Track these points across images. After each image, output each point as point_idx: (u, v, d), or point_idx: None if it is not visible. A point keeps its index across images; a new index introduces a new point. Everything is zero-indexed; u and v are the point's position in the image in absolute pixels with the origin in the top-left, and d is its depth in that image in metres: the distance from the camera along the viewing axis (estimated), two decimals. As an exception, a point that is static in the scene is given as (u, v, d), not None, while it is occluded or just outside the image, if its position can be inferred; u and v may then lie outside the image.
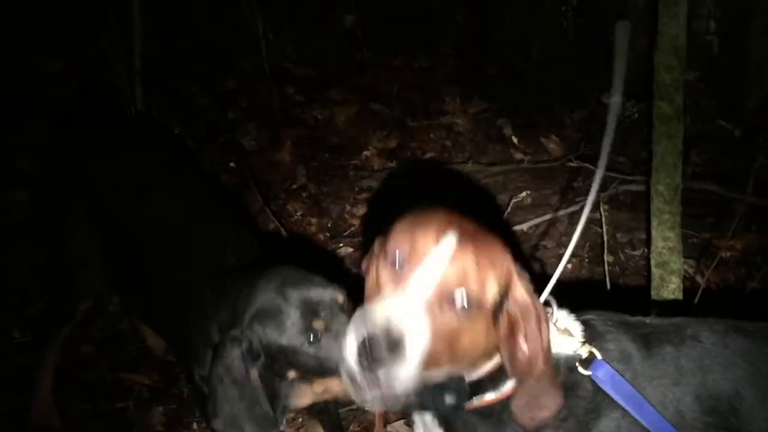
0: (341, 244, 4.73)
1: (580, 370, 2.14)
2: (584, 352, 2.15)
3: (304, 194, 5.13)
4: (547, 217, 4.60)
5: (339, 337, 2.60)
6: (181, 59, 5.96)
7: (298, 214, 4.98)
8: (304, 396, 2.80)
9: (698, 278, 4.04)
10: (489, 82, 5.95)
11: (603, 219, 4.19)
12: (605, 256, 4.05)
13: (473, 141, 5.43)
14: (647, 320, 2.32)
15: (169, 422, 3.86)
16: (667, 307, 3.50)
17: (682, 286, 3.51)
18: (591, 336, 2.21)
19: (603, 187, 4.66)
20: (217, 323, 2.78)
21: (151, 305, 3.32)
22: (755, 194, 4.21)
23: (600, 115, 5.43)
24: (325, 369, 2.66)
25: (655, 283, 3.50)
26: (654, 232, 3.45)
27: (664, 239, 3.41)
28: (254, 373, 2.66)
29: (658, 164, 3.41)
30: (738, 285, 4.14)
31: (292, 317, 2.63)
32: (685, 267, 3.87)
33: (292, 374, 2.71)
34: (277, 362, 2.68)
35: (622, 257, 4.31)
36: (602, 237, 4.10)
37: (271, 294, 2.67)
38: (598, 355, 2.14)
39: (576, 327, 2.22)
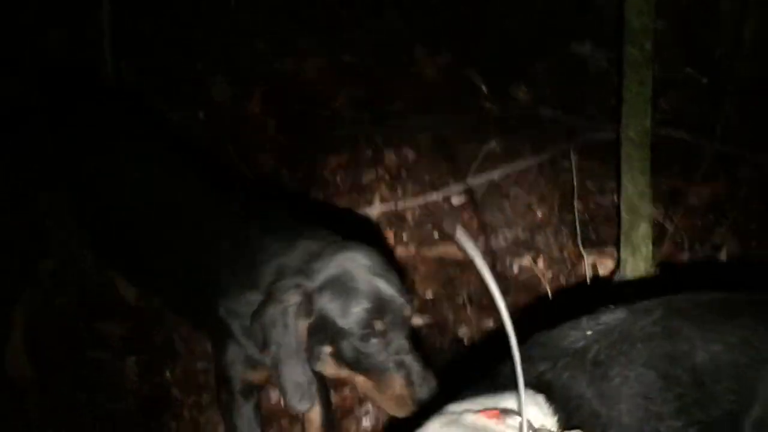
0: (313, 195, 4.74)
1: None
2: None
3: (275, 145, 5.11)
4: (517, 165, 4.62)
5: (387, 346, 2.70)
6: (148, 12, 5.89)
7: (270, 165, 4.97)
8: (328, 369, 2.83)
9: (667, 224, 4.08)
10: (459, 33, 5.92)
11: (573, 167, 4.22)
12: (575, 203, 4.08)
13: (443, 91, 5.42)
14: (589, 332, 2.22)
15: (143, 371, 3.88)
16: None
17: (651, 231, 3.55)
18: (559, 405, 2.08)
19: (573, 136, 4.68)
20: (276, 267, 2.81)
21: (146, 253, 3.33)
22: (722, 141, 4.25)
23: (570, 64, 5.45)
24: (359, 364, 2.72)
25: (624, 228, 3.53)
26: (624, 178, 3.47)
27: (634, 184, 3.44)
28: (302, 324, 2.69)
29: (628, 110, 3.43)
30: (706, 232, 4.18)
31: (362, 305, 2.66)
32: (654, 213, 3.91)
33: (328, 349, 2.74)
34: (323, 332, 2.71)
35: (592, 205, 4.34)
36: (572, 185, 4.13)
37: (359, 272, 2.70)
38: None
39: (546, 412, 2.05)
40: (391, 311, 2.70)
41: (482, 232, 4.38)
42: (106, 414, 3.78)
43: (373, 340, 2.67)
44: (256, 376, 3.05)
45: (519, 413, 1.91)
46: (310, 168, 4.92)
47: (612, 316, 2.25)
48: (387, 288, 2.71)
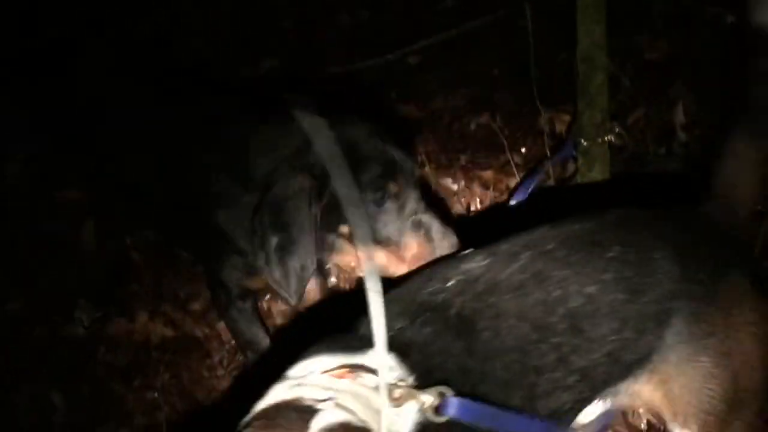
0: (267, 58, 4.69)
1: (436, 419, 1.80)
2: (432, 399, 1.80)
3: (227, 11, 5.02)
4: (474, 23, 4.58)
5: (402, 209, 2.65)
6: None
7: (220, 29, 4.89)
8: (345, 256, 2.77)
9: (623, 79, 4.08)
10: None
11: (529, 24, 4.18)
12: (531, 59, 4.06)
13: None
14: (449, 283, 2.04)
15: (101, 235, 3.88)
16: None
17: (607, 82, 3.53)
18: (420, 362, 1.90)
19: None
20: (271, 157, 2.70)
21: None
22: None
23: None
24: (375, 234, 2.65)
25: (581, 80, 3.51)
26: (579, 29, 3.43)
27: (590, 35, 3.40)
28: (315, 209, 2.61)
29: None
30: (662, 86, 4.18)
31: (372, 171, 2.60)
32: (610, 68, 3.89)
33: (343, 229, 2.67)
34: (336, 213, 2.61)
35: (549, 61, 4.29)
36: (529, 42, 4.10)
37: (361, 140, 2.63)
38: (448, 392, 1.81)
39: (402, 372, 1.86)
40: (402, 172, 2.66)
41: (439, 91, 4.37)
42: (66, 282, 3.80)
43: (388, 204, 2.63)
44: (254, 284, 3.02)
45: (372, 370, 1.80)
46: (263, 32, 4.85)
47: (473, 264, 2.08)
48: (393, 150, 2.66)
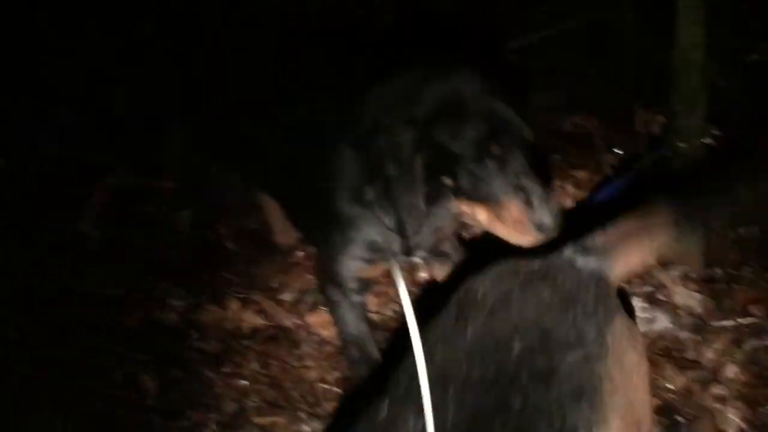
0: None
1: None
2: None
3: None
4: (571, 22, 4.56)
5: (504, 169, 2.53)
6: None
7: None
8: (449, 209, 2.73)
9: (723, 82, 4.01)
10: None
11: (627, 25, 4.15)
12: (628, 60, 4.02)
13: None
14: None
15: (195, 224, 3.96)
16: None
17: (705, 83, 3.48)
18: None
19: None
20: (381, 97, 2.63)
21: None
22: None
23: None
24: (476, 192, 2.58)
25: (678, 79, 3.47)
26: (678, 28, 3.40)
27: (688, 35, 3.36)
28: (419, 160, 2.54)
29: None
30: (762, 90, 4.10)
31: (477, 128, 2.50)
32: (711, 70, 3.83)
33: (447, 181, 2.60)
34: (439, 163, 2.56)
35: (646, 62, 4.25)
36: (626, 41, 4.07)
37: (472, 93, 2.53)
38: None
39: None
40: (507, 132, 2.54)
41: (535, 89, 4.34)
42: (161, 269, 3.88)
43: (489, 164, 2.51)
44: (372, 272, 3.00)
45: None
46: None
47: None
48: (502, 108, 2.54)
